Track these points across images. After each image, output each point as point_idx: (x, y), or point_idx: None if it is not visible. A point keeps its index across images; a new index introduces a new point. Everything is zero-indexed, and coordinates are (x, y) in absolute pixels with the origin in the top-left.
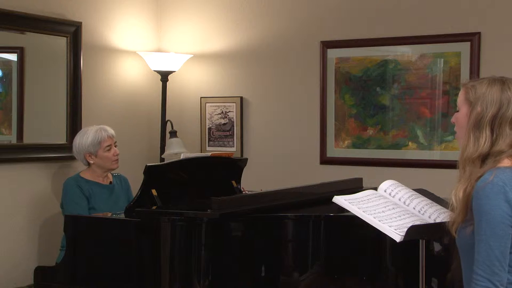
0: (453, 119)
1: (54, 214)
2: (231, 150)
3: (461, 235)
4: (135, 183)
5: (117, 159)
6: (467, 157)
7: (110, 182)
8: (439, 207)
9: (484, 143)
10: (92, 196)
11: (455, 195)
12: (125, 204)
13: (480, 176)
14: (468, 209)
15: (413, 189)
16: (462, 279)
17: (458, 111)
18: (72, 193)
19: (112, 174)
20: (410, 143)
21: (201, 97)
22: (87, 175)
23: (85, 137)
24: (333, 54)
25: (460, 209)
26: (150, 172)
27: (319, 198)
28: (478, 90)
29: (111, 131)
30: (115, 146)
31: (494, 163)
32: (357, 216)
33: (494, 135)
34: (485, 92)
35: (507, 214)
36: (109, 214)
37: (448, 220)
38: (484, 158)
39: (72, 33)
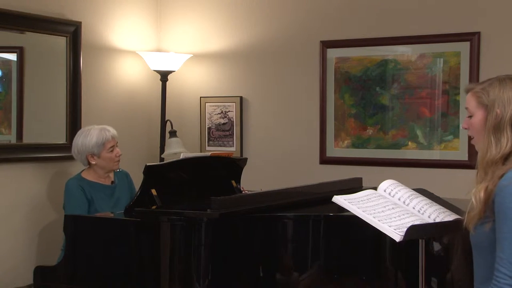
0: (465, 125)
1: (54, 213)
2: (230, 149)
3: (479, 232)
4: (135, 183)
5: (118, 160)
6: (489, 160)
7: (112, 182)
8: (438, 206)
9: (507, 143)
10: (94, 198)
11: (476, 195)
12: (128, 201)
13: (503, 174)
14: (487, 206)
15: (412, 189)
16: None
17: (470, 116)
18: (74, 195)
19: (113, 171)
20: (409, 142)
21: (200, 97)
22: (89, 176)
23: (89, 137)
24: (333, 54)
25: (481, 208)
26: (149, 172)
27: (318, 197)
28: (491, 92)
29: (113, 131)
30: (117, 147)
31: None
32: (356, 216)
33: None
34: (499, 94)
35: None
36: (111, 214)
37: (449, 219)
38: (506, 158)
39: (72, 33)
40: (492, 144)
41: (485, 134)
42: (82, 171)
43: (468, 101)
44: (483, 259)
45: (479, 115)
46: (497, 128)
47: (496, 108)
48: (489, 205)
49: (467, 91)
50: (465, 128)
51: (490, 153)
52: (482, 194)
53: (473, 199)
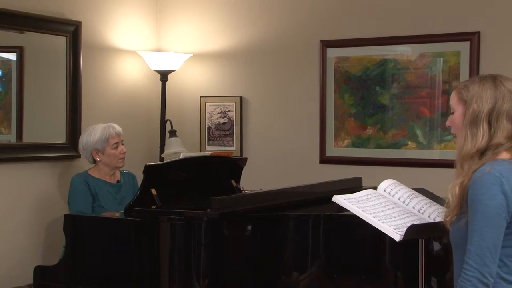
0: (448, 123)
1: (54, 213)
2: (230, 149)
3: (455, 228)
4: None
5: (123, 158)
6: (465, 153)
7: (118, 181)
8: (438, 206)
9: (482, 137)
10: (99, 194)
11: (451, 191)
12: None
13: (478, 168)
14: (463, 201)
15: (412, 189)
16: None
17: (452, 113)
18: (78, 190)
19: (120, 172)
20: (409, 142)
21: (200, 97)
22: (94, 173)
23: (93, 133)
24: (333, 53)
25: (456, 203)
26: (149, 172)
27: (318, 197)
28: (471, 89)
29: (118, 128)
30: (122, 144)
31: (493, 156)
32: (356, 216)
33: (492, 129)
34: (478, 90)
35: (502, 205)
36: (117, 214)
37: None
38: (482, 153)
39: (72, 32)
40: (468, 138)
41: (463, 129)
42: (89, 169)
43: (451, 98)
44: (459, 255)
45: (459, 111)
46: (473, 122)
47: (474, 104)
48: (465, 200)
49: (453, 89)
50: (449, 126)
51: (466, 147)
52: (457, 189)
53: (449, 195)
